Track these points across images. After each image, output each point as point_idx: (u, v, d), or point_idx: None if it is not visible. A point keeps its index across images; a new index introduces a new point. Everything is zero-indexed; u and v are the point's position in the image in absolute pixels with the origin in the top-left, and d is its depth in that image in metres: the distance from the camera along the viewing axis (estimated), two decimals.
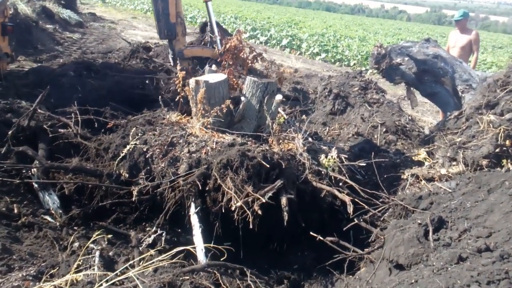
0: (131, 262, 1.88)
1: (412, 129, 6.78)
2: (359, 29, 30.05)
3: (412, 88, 5.91)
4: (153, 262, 1.91)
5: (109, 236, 3.04)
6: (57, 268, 2.17)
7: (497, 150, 4.34)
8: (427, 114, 9.40)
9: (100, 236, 2.63)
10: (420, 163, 5.28)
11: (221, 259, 2.62)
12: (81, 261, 2.10)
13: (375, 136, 6.42)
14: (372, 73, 12.17)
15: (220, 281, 2.21)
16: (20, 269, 2.20)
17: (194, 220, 3.18)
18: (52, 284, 1.71)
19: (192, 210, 3.31)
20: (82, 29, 14.60)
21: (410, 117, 7.35)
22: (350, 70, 13.94)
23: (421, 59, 5.43)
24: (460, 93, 5.38)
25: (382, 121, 6.57)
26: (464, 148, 4.73)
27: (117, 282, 1.85)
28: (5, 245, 2.40)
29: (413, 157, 5.48)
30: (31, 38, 10.23)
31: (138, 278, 1.75)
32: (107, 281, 1.74)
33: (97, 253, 2.39)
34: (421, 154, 5.42)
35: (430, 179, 4.68)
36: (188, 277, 2.05)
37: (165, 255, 2.06)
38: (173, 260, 2.03)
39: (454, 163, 4.76)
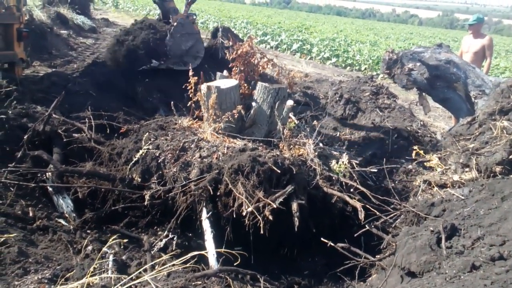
0: (144, 267, 1.90)
1: (424, 134, 6.73)
2: (370, 33, 29.96)
3: (424, 94, 5.87)
4: (166, 267, 1.92)
5: (124, 240, 3.07)
6: (72, 271, 2.21)
7: (511, 156, 4.29)
8: (439, 119, 9.31)
9: (115, 241, 2.66)
10: (432, 169, 5.24)
11: (233, 264, 2.63)
12: (97, 264, 2.13)
13: (387, 142, 6.39)
14: (383, 78, 12.10)
15: (232, 286, 2.22)
16: (36, 272, 2.25)
17: (206, 225, 3.21)
18: (69, 287, 1.74)
19: (204, 215, 3.33)
20: (95, 34, 14.82)
21: (422, 122, 7.30)
22: (361, 74, 13.92)
23: (433, 65, 5.40)
24: (473, 98, 5.33)
25: (393, 127, 6.54)
26: (477, 154, 4.67)
27: (132, 286, 1.88)
28: (21, 248, 2.44)
29: (425, 163, 5.44)
30: (46, 44, 10.41)
31: (153, 283, 1.78)
32: (122, 286, 1.77)
33: (111, 257, 2.42)
34: (433, 160, 5.38)
35: (442, 186, 4.64)
36: (200, 282, 2.08)
37: (178, 260, 2.08)
38: (186, 265, 2.05)
39: (467, 169, 4.71)
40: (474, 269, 2.18)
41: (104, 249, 2.49)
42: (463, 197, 3.25)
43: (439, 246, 2.56)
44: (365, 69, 15.80)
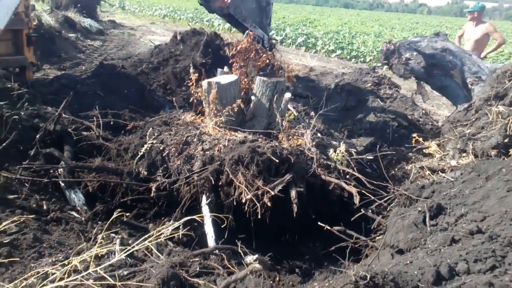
0: (148, 240, 2.08)
1: (425, 122, 6.83)
2: (375, 24, 29.80)
3: (422, 82, 5.97)
4: (166, 227, 2.12)
5: (129, 228, 3.28)
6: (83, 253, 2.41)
7: (506, 140, 4.38)
8: (442, 108, 9.37)
9: (122, 228, 2.86)
10: (431, 156, 5.36)
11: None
12: (103, 239, 2.34)
13: (387, 131, 6.50)
14: (388, 69, 12.14)
15: (227, 263, 2.40)
16: (50, 256, 2.46)
17: (205, 210, 3.40)
18: (80, 257, 1.94)
19: (204, 201, 3.53)
20: (102, 36, 15.11)
21: (424, 111, 7.38)
22: (366, 66, 13.95)
23: (430, 53, 5.50)
24: (469, 85, 5.42)
25: (394, 116, 6.65)
26: (474, 140, 4.78)
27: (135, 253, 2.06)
28: (36, 235, 2.66)
29: (424, 150, 5.55)
30: (54, 47, 10.71)
31: (154, 249, 1.98)
32: (126, 252, 1.97)
33: (118, 240, 2.63)
34: (432, 147, 5.49)
35: (440, 171, 4.76)
36: (197, 259, 2.26)
37: (177, 223, 2.27)
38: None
39: (464, 154, 4.82)
40: (454, 243, 2.32)
41: (112, 234, 2.70)
42: (452, 179, 3.38)
43: (424, 224, 2.71)
44: (370, 60, 15.82)
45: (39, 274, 1.94)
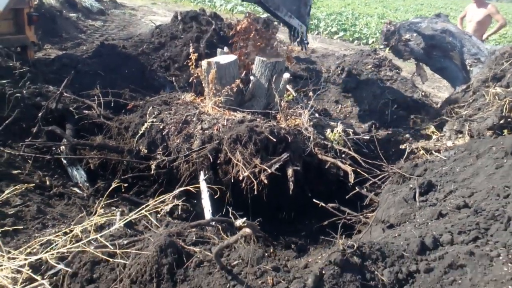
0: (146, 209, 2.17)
1: (424, 104, 6.87)
2: (379, 6, 29.37)
3: (421, 64, 5.99)
4: (163, 201, 2.21)
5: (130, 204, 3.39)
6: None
7: (502, 121, 4.44)
8: (442, 90, 9.37)
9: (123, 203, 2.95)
10: (429, 137, 5.43)
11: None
12: (103, 209, 2.44)
13: (386, 112, 6.55)
14: (388, 50, 12.07)
15: (223, 234, 2.51)
16: (53, 227, 2.56)
17: (203, 186, 3.50)
18: (81, 225, 2.04)
19: (202, 177, 3.62)
20: (103, 16, 14.99)
21: (423, 93, 7.41)
22: (368, 48, 13.86)
23: (429, 35, 5.50)
24: (468, 66, 5.44)
25: (393, 97, 6.68)
26: (470, 121, 4.84)
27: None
28: (40, 207, 2.77)
29: (422, 131, 5.62)
30: (56, 27, 10.67)
31: (153, 219, 2.07)
32: (125, 220, 2.07)
33: (118, 212, 2.73)
34: (430, 128, 5.56)
35: (436, 151, 4.83)
36: (194, 230, 2.36)
37: (172, 194, 2.37)
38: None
39: (460, 135, 4.88)
40: (441, 217, 2.41)
41: (113, 207, 2.80)
42: (444, 158, 3.45)
43: (415, 200, 2.79)
44: (373, 42, 15.69)
45: (42, 242, 2.04)
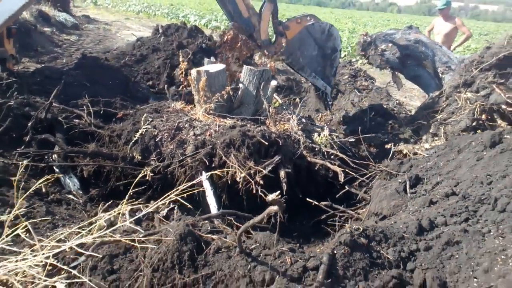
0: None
1: (399, 111, 7.24)
2: (349, 21, 30.51)
3: (396, 72, 6.35)
4: (168, 196, 2.31)
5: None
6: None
7: (474, 123, 4.80)
8: (414, 99, 9.86)
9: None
10: (406, 141, 5.74)
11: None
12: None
13: (365, 119, 6.86)
14: (363, 63, 12.59)
15: (236, 224, 2.63)
16: (64, 226, 2.60)
17: (206, 184, 3.61)
18: (108, 214, 2.11)
19: (204, 176, 3.72)
20: (78, 31, 14.91)
21: (397, 101, 7.81)
22: (340, 61, 14.37)
23: (404, 45, 5.87)
24: (440, 74, 5.82)
25: (370, 105, 7.01)
26: (445, 124, 5.18)
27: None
28: (48, 208, 2.80)
29: (400, 136, 5.93)
30: (31, 41, 10.56)
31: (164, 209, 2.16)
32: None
33: (127, 212, 2.80)
34: (407, 132, 5.88)
35: (414, 154, 5.13)
36: (206, 222, 2.47)
37: (177, 189, 2.46)
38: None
39: (436, 138, 5.21)
40: (432, 204, 2.63)
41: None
42: (427, 155, 3.71)
43: (405, 192, 3.01)
44: (345, 55, 16.29)
45: (63, 234, 2.09)
